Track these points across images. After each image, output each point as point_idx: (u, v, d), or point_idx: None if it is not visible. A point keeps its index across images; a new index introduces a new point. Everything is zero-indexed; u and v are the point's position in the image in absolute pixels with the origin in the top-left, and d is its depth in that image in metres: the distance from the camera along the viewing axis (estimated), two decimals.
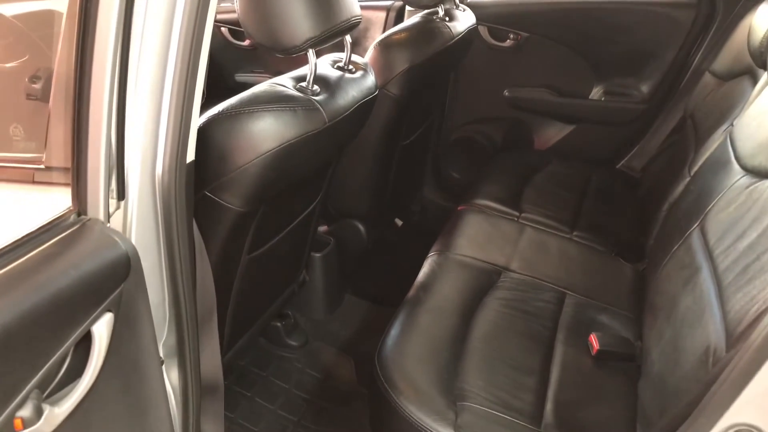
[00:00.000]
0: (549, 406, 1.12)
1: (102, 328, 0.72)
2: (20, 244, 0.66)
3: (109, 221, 0.77)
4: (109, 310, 0.73)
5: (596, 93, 2.18)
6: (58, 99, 0.81)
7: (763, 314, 0.84)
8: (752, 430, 0.74)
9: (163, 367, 0.96)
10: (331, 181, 1.49)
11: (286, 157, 1.05)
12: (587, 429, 1.10)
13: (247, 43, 2.44)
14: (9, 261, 0.64)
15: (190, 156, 0.85)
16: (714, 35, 1.96)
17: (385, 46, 1.59)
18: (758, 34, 1.49)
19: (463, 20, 1.87)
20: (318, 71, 1.15)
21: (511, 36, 2.19)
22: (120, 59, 0.71)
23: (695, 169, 1.50)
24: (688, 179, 1.52)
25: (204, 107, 0.91)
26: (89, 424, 0.77)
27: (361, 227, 1.93)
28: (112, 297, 0.72)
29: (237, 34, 2.44)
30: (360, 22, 1.20)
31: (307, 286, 1.74)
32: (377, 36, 1.94)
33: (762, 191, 1.07)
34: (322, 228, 1.97)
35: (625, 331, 1.33)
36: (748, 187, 1.12)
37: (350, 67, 1.29)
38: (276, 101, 1.05)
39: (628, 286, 1.52)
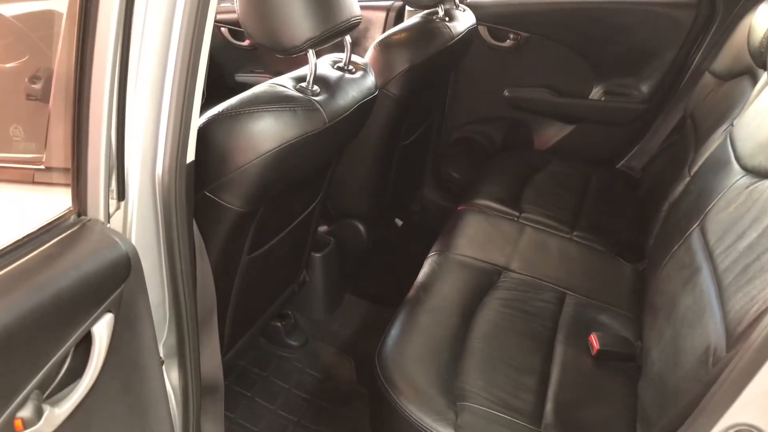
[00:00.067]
0: (549, 406, 1.12)
1: (102, 329, 0.72)
2: (20, 245, 0.66)
3: (109, 222, 0.77)
4: (110, 311, 0.73)
5: (596, 93, 2.18)
6: (58, 99, 0.81)
7: (763, 314, 0.84)
8: (752, 430, 0.74)
9: (164, 367, 0.96)
10: (331, 181, 1.49)
11: (286, 157, 1.05)
12: (587, 429, 1.10)
13: (247, 43, 2.44)
14: (9, 261, 0.64)
15: (190, 156, 0.85)
16: (714, 35, 1.96)
17: (385, 46, 1.59)
18: (758, 34, 1.49)
19: (463, 20, 1.87)
20: (318, 71, 1.15)
21: (511, 36, 2.19)
22: (120, 59, 0.71)
23: (695, 169, 1.50)
24: (688, 179, 1.52)
25: (204, 107, 0.90)
26: (89, 424, 0.77)
27: (361, 227, 1.94)
28: (112, 297, 0.72)
29: (237, 34, 2.44)
30: (360, 22, 1.20)
31: (307, 286, 1.74)
32: (377, 36, 1.94)
33: (762, 191, 1.07)
34: (322, 228, 1.97)
35: (625, 331, 1.33)
36: (748, 187, 1.12)
37: (350, 67, 1.29)
38: (276, 101, 1.05)
39: (628, 286, 1.52)
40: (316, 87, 1.13)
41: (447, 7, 1.82)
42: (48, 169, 0.87)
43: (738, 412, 0.75)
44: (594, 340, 1.25)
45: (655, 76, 2.08)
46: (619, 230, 1.74)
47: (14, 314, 0.60)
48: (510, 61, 2.24)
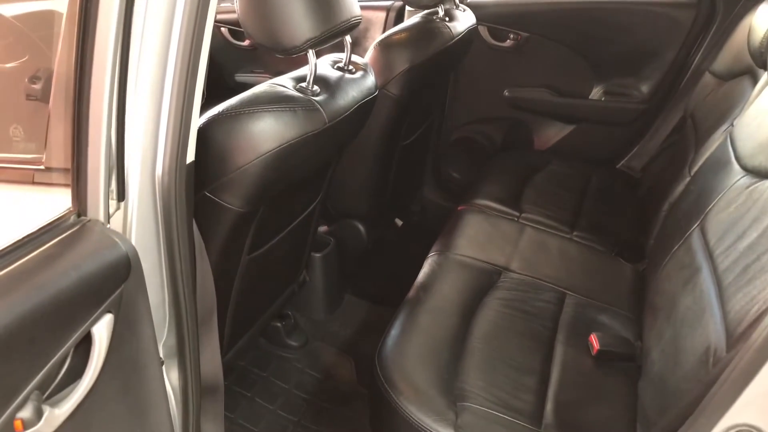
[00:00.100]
0: (549, 406, 1.12)
1: (102, 329, 0.72)
2: (20, 245, 0.66)
3: (109, 222, 0.77)
4: (110, 311, 0.72)
5: (596, 93, 2.18)
6: (58, 99, 0.81)
7: (763, 315, 0.84)
8: (752, 430, 0.74)
9: (163, 367, 0.96)
10: (331, 181, 1.49)
11: (286, 157, 1.05)
12: (587, 429, 1.10)
13: (246, 43, 2.44)
14: (9, 262, 0.64)
15: (190, 156, 0.85)
16: (714, 35, 1.96)
17: (385, 46, 1.59)
18: (758, 34, 1.49)
19: (463, 20, 1.87)
20: (318, 72, 1.15)
21: (511, 36, 2.19)
22: (120, 59, 0.71)
23: (695, 169, 1.50)
24: (688, 179, 1.52)
25: (204, 108, 0.90)
26: (89, 425, 0.77)
27: (361, 227, 1.93)
28: (112, 298, 0.72)
29: (237, 34, 2.44)
30: (360, 22, 1.20)
31: (307, 286, 1.74)
32: (377, 36, 1.94)
33: (762, 191, 1.07)
34: (322, 228, 1.97)
35: (625, 331, 1.33)
36: (748, 187, 1.12)
37: (350, 67, 1.29)
38: (276, 102, 1.05)
39: (628, 286, 1.52)
40: (316, 87, 1.13)
41: (447, 7, 1.82)
42: (48, 169, 0.87)
43: (738, 412, 0.75)
44: (594, 341, 1.25)
45: (656, 76, 2.08)
46: (619, 230, 1.74)
47: (14, 315, 0.60)
48: (510, 61, 2.24)
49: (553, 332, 1.30)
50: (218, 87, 1.88)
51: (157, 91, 0.78)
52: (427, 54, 1.62)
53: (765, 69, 1.46)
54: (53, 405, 0.69)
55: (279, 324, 1.74)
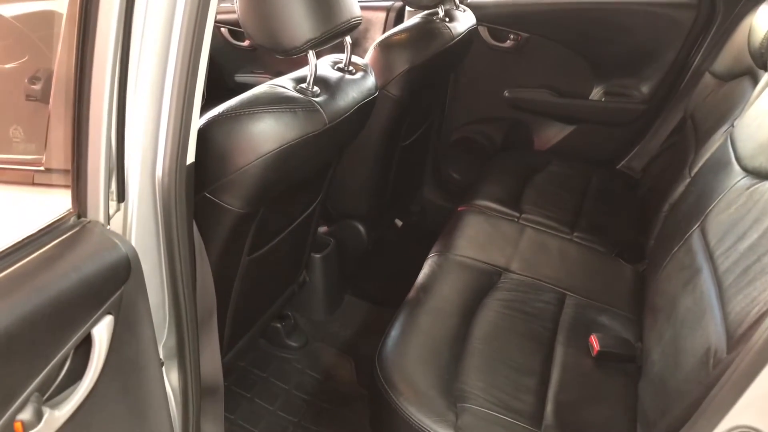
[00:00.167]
0: (549, 407, 1.12)
1: (102, 331, 0.72)
2: (20, 247, 0.66)
3: (109, 223, 0.77)
4: (110, 313, 0.72)
5: (596, 93, 2.18)
6: (58, 100, 0.81)
7: (764, 316, 0.84)
8: None
9: (163, 368, 0.96)
10: (331, 181, 1.49)
11: (286, 158, 1.04)
12: (587, 430, 1.10)
13: (246, 43, 2.44)
14: (9, 264, 0.64)
15: (191, 157, 0.85)
16: (714, 36, 1.97)
17: (385, 46, 1.59)
18: (758, 35, 1.49)
19: (464, 21, 1.87)
20: (318, 72, 1.15)
21: (511, 36, 2.19)
22: (120, 60, 0.71)
23: (695, 170, 1.50)
24: (688, 180, 1.52)
25: (204, 108, 0.90)
26: (89, 426, 0.77)
27: (361, 228, 1.93)
28: (112, 299, 0.72)
29: (237, 35, 2.44)
30: (360, 23, 1.20)
31: (307, 286, 1.74)
32: (377, 36, 1.93)
33: (762, 192, 1.07)
34: (322, 229, 1.97)
35: (626, 332, 1.33)
36: (748, 188, 1.12)
37: (350, 68, 1.29)
38: (276, 102, 1.05)
39: (628, 287, 1.52)
40: (316, 88, 1.13)
41: (447, 7, 1.82)
42: (48, 170, 0.87)
43: (739, 414, 0.75)
44: (594, 341, 1.25)
45: (656, 76, 2.08)
46: (619, 231, 1.74)
47: (14, 316, 0.60)
48: (510, 61, 2.24)
49: (553, 333, 1.30)
50: (218, 87, 1.88)
51: (158, 92, 0.78)
52: (427, 54, 1.62)
53: (765, 70, 1.46)
54: (53, 407, 0.68)
55: (279, 325, 1.74)
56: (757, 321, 0.85)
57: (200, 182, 0.98)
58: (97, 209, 0.75)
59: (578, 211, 1.81)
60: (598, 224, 1.73)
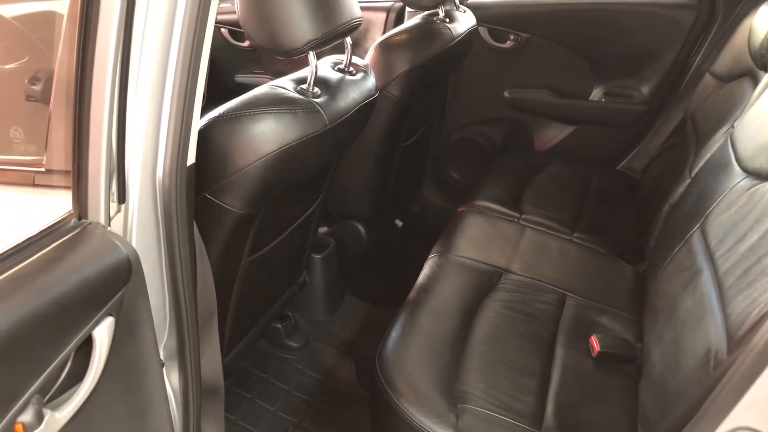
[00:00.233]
0: (550, 408, 1.12)
1: (103, 333, 0.72)
2: (21, 249, 0.66)
3: (109, 225, 0.77)
4: (110, 314, 0.72)
5: (596, 94, 2.18)
6: (59, 101, 0.81)
7: (764, 318, 0.84)
8: None
9: (164, 369, 0.96)
10: (332, 182, 1.49)
11: (286, 159, 1.04)
12: (588, 431, 1.10)
13: (247, 44, 2.44)
14: (10, 265, 0.64)
15: (191, 159, 0.85)
16: (714, 36, 1.96)
17: (385, 47, 1.59)
18: (759, 36, 1.49)
19: (464, 21, 1.87)
20: (319, 73, 1.15)
21: (512, 37, 2.19)
22: (121, 61, 0.71)
23: (696, 170, 1.50)
24: (688, 181, 1.52)
25: (204, 109, 0.90)
26: (90, 427, 0.77)
27: (361, 228, 1.93)
28: (113, 301, 0.72)
29: (237, 35, 2.44)
30: (361, 24, 1.20)
31: (307, 287, 1.74)
32: (377, 37, 1.94)
33: (763, 193, 1.07)
34: (323, 229, 1.97)
35: (626, 333, 1.33)
36: (749, 189, 1.12)
37: (351, 69, 1.29)
38: (277, 103, 1.05)
39: (628, 288, 1.52)
40: (316, 89, 1.13)
41: (447, 8, 1.82)
42: (48, 171, 0.87)
43: (739, 415, 0.75)
44: (594, 342, 1.25)
45: (656, 77, 2.08)
46: (619, 232, 1.74)
47: (15, 319, 0.60)
48: (510, 62, 2.24)
49: (554, 334, 1.30)
50: (218, 88, 1.88)
51: (158, 93, 0.78)
52: (427, 55, 1.62)
53: (765, 70, 1.46)
54: (54, 409, 0.69)
55: (279, 325, 1.74)
56: (758, 322, 0.85)
57: (201, 183, 0.98)
58: (97, 211, 0.75)
59: (578, 211, 1.81)
60: (599, 225, 1.73)
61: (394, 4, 2.17)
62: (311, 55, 1.09)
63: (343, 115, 1.16)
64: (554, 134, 2.29)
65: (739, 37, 1.69)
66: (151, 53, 0.76)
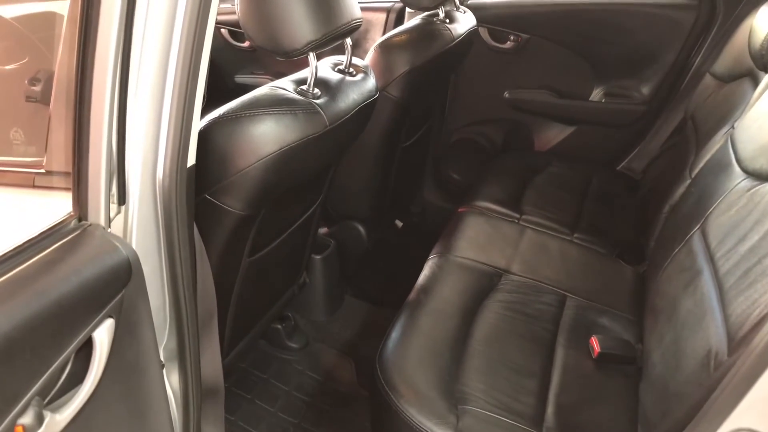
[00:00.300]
0: (550, 409, 1.12)
1: (103, 334, 0.72)
2: (21, 250, 0.66)
3: (110, 226, 0.77)
4: (110, 316, 0.72)
5: (597, 94, 2.18)
6: (59, 102, 0.81)
7: (764, 319, 0.84)
8: None
9: (164, 370, 0.96)
10: (332, 183, 1.49)
11: (287, 160, 1.04)
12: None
13: (247, 44, 2.44)
14: (10, 267, 0.64)
15: (191, 160, 0.85)
16: (714, 37, 1.96)
17: (385, 48, 1.59)
18: (759, 36, 1.49)
19: (464, 22, 1.87)
20: (319, 74, 1.15)
21: (512, 38, 2.19)
22: (121, 62, 0.71)
23: (696, 171, 1.50)
24: (688, 181, 1.52)
25: (204, 110, 0.90)
26: (90, 429, 0.77)
27: (361, 229, 1.93)
28: (113, 303, 0.72)
29: (237, 36, 2.44)
30: (361, 24, 1.20)
31: (307, 288, 1.74)
32: (377, 37, 1.94)
33: (763, 194, 1.07)
34: (323, 230, 1.97)
35: (626, 334, 1.33)
36: (749, 190, 1.12)
37: (351, 69, 1.29)
38: (277, 104, 1.05)
39: (628, 289, 1.51)
40: (317, 90, 1.13)
41: (447, 8, 1.82)
42: (48, 172, 0.87)
43: (740, 416, 0.75)
44: (595, 343, 1.25)
45: (656, 77, 2.08)
46: (619, 232, 1.74)
47: (15, 321, 0.60)
48: (510, 62, 2.24)
49: (554, 335, 1.30)
50: (218, 89, 1.88)
51: (158, 94, 0.78)
52: (427, 56, 1.62)
53: (766, 71, 1.46)
54: (54, 410, 0.68)
55: (279, 326, 1.74)
56: (759, 323, 0.85)
57: (201, 184, 0.98)
58: (97, 212, 0.75)
59: (579, 212, 1.81)
60: (599, 225, 1.73)
61: (394, 5, 2.17)
62: (311, 56, 1.09)
63: (343, 116, 1.16)
64: (554, 135, 2.29)
65: (740, 38, 1.69)
66: (151, 54, 0.76)
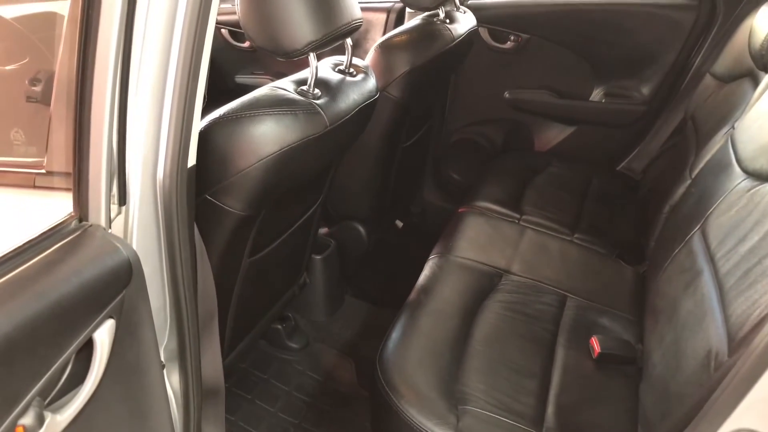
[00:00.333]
0: (550, 410, 1.12)
1: (103, 335, 0.72)
2: (22, 251, 0.66)
3: (110, 227, 0.77)
4: (111, 317, 0.72)
5: (597, 95, 2.18)
6: (60, 103, 0.81)
7: (765, 319, 0.84)
8: None
9: (164, 371, 0.96)
10: (332, 183, 1.49)
11: (287, 160, 1.04)
12: None
13: (247, 44, 2.44)
14: (11, 268, 0.64)
15: (192, 160, 0.85)
16: (714, 37, 1.96)
17: (385, 48, 1.59)
18: (759, 36, 1.49)
19: (464, 22, 1.87)
20: (319, 74, 1.15)
21: (512, 38, 2.19)
22: (121, 63, 0.71)
23: (696, 171, 1.50)
24: (688, 182, 1.52)
25: (205, 110, 0.90)
26: (91, 430, 0.77)
27: (361, 229, 1.93)
28: (113, 304, 0.72)
29: (237, 36, 2.44)
30: (361, 25, 1.20)
31: (307, 288, 1.74)
32: (377, 37, 1.93)
33: (763, 195, 1.07)
34: (323, 230, 1.97)
35: (626, 334, 1.33)
36: (749, 190, 1.12)
37: (351, 70, 1.29)
38: (277, 105, 1.05)
39: (629, 289, 1.52)
40: (317, 90, 1.13)
41: (448, 8, 1.82)
42: (49, 173, 0.87)
43: (740, 417, 0.75)
44: (595, 343, 1.25)
45: (656, 77, 2.08)
46: (619, 232, 1.74)
47: (15, 322, 0.60)
48: (510, 62, 2.24)
49: (554, 335, 1.30)
50: (218, 89, 1.88)
51: (159, 95, 0.78)
52: (427, 56, 1.62)
53: (766, 71, 1.46)
54: (55, 411, 0.69)
55: (280, 326, 1.75)
56: (759, 324, 0.85)
57: (201, 185, 0.98)
58: (98, 213, 0.75)
59: (579, 212, 1.81)
60: (599, 226, 1.73)
61: (394, 5, 2.17)
62: (312, 57, 1.09)
63: (343, 117, 1.16)
64: (554, 135, 2.29)
65: (740, 38, 1.69)
66: (151, 55, 0.76)
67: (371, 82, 1.33)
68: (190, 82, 0.78)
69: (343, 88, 1.21)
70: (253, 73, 2.53)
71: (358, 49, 2.16)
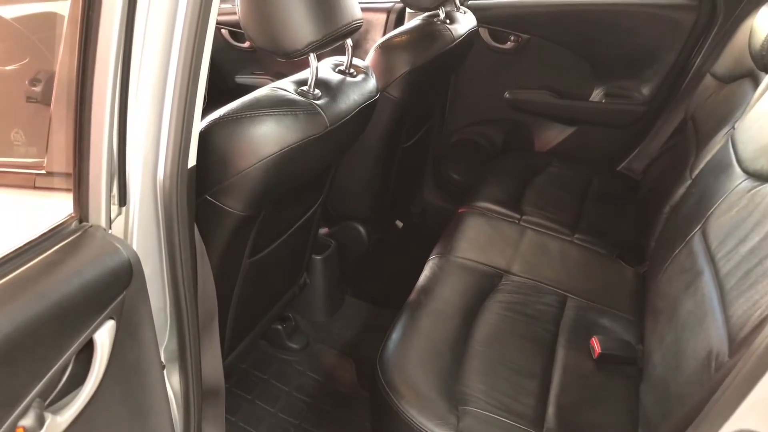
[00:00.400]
0: (551, 410, 1.12)
1: (104, 336, 0.71)
2: (22, 252, 0.66)
3: (110, 228, 0.77)
4: (111, 318, 0.72)
5: (597, 95, 2.18)
6: (60, 103, 0.81)
7: (766, 320, 0.84)
8: None
9: (165, 371, 0.96)
10: (332, 183, 1.49)
11: (287, 161, 1.04)
12: None
13: (247, 44, 2.44)
14: (11, 269, 0.64)
15: (192, 161, 0.85)
16: (715, 37, 1.96)
17: (385, 48, 1.59)
18: (759, 37, 1.49)
19: (464, 22, 1.87)
20: (319, 75, 1.15)
21: (512, 38, 2.19)
22: (122, 63, 0.71)
23: (696, 171, 1.50)
24: (689, 182, 1.52)
25: (205, 111, 0.90)
26: (91, 431, 0.77)
27: (361, 229, 1.93)
28: (114, 304, 0.72)
29: (237, 36, 2.44)
30: (361, 25, 1.20)
31: (307, 288, 1.74)
32: (377, 38, 1.93)
33: (764, 195, 1.07)
34: (323, 230, 1.97)
35: (627, 334, 1.33)
36: (750, 190, 1.12)
37: (351, 70, 1.29)
38: (277, 105, 1.05)
39: (629, 289, 1.51)
40: (317, 91, 1.13)
41: (448, 9, 1.82)
42: (49, 174, 0.87)
43: (741, 417, 0.75)
44: (595, 344, 1.25)
45: (656, 78, 2.07)
46: (620, 233, 1.74)
47: (16, 323, 0.60)
48: (511, 63, 2.24)
49: (555, 335, 1.30)
50: (218, 89, 1.88)
51: (159, 95, 0.78)
52: (427, 56, 1.62)
53: (766, 72, 1.46)
54: (55, 412, 0.68)
55: (280, 326, 1.74)
56: (759, 324, 0.85)
57: (201, 185, 0.98)
58: (98, 213, 0.75)
59: (579, 212, 1.81)
60: (599, 226, 1.73)
61: (394, 5, 2.17)
62: (312, 57, 1.09)
63: (343, 117, 1.16)
64: (554, 135, 2.29)
65: (740, 38, 1.69)
66: (152, 55, 0.75)
67: (371, 83, 1.33)
68: (190, 82, 0.78)
69: (344, 89, 1.21)
70: (253, 74, 2.52)
71: (358, 50, 2.16)
